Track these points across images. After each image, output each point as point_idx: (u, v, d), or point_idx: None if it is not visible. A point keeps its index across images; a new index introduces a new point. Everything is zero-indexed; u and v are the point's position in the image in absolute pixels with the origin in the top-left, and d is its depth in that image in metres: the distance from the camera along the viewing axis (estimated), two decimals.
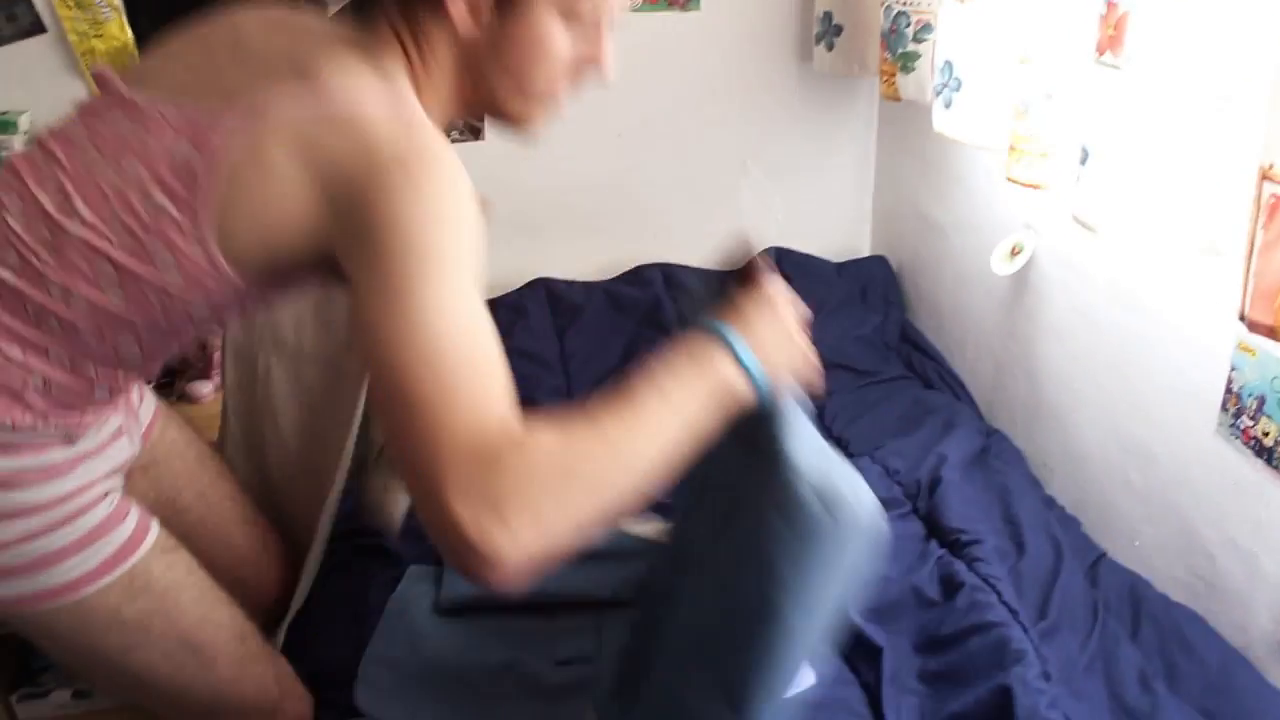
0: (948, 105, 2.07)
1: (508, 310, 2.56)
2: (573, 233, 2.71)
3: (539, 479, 0.92)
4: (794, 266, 2.67)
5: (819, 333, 2.55)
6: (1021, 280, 2.19)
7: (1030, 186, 1.86)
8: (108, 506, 1.29)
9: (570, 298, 2.63)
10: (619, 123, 2.63)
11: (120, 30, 2.38)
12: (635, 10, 2.50)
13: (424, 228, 1.01)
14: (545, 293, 2.64)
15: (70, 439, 1.25)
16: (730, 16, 2.57)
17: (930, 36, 2.13)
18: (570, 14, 1.15)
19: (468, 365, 0.96)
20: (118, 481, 1.39)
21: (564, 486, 0.94)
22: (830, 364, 2.51)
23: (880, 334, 2.64)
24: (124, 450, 1.41)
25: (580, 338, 2.57)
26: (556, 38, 1.16)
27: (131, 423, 1.45)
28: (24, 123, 2.38)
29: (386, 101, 1.09)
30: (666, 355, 1.09)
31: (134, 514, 1.33)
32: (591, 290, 2.66)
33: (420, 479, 0.93)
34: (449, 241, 1.02)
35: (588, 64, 1.21)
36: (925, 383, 2.51)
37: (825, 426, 2.39)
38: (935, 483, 2.04)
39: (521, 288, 2.65)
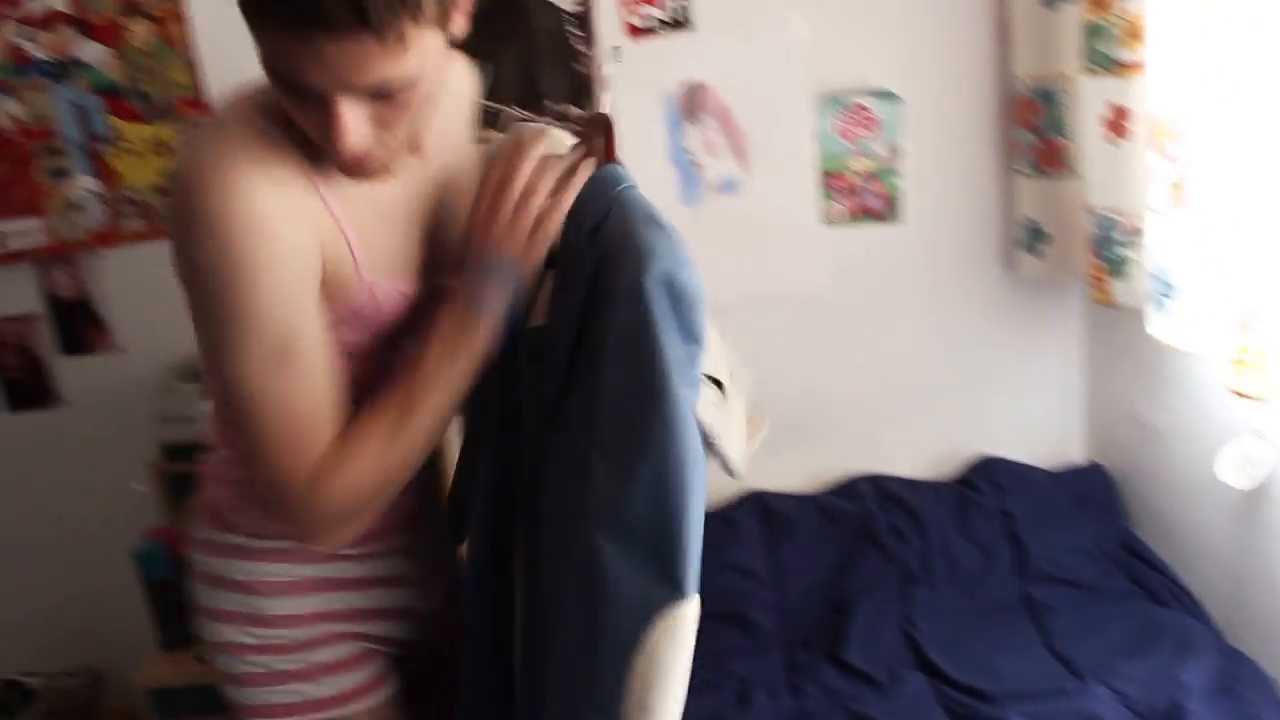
0: (1163, 310, 2.02)
1: (720, 522, 2.58)
2: (783, 444, 2.71)
3: (338, 491, 1.19)
4: (1007, 476, 2.62)
5: (1036, 544, 2.48)
6: (1259, 490, 2.07)
7: (1258, 399, 1.78)
8: (345, 649, 1.34)
9: (782, 511, 2.63)
10: (826, 334, 2.68)
11: None
12: (841, 225, 2.58)
13: (203, 286, 1.12)
14: (756, 506, 2.65)
15: (306, 556, 1.30)
16: (933, 227, 2.61)
17: (1141, 241, 2.11)
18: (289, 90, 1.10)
19: (273, 428, 1.16)
20: (377, 628, 1.43)
21: (355, 483, 1.20)
22: (1050, 578, 2.44)
23: (1100, 545, 2.53)
24: (393, 599, 1.45)
25: (793, 553, 2.56)
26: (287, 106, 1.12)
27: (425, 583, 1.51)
28: None
29: (197, 156, 1.13)
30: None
31: (369, 670, 1.36)
32: (803, 503, 2.65)
33: (261, 486, 1.21)
34: (233, 292, 1.10)
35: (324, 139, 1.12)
36: (1154, 598, 2.38)
37: (1049, 645, 2.28)
38: (1177, 713, 1.90)
39: (733, 501, 2.67)
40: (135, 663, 2.63)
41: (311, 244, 1.16)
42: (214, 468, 1.42)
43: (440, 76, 1.14)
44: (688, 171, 2.54)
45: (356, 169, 1.14)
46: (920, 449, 2.74)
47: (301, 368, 1.16)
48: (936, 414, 2.73)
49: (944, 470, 2.71)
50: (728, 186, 2.55)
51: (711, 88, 2.49)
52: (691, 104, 2.50)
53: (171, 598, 2.56)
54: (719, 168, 2.54)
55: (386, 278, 1.25)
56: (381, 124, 1.10)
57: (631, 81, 2.49)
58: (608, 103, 1.35)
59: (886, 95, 2.49)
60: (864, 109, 2.50)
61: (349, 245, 1.20)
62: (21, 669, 2.77)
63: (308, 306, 1.17)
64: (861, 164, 2.54)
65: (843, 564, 2.53)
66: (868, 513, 2.59)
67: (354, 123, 1.06)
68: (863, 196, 2.56)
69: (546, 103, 2.48)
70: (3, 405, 2.73)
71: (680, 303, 1.18)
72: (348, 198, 1.20)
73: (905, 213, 2.59)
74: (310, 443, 1.18)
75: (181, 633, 2.59)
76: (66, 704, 2.75)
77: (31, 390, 2.71)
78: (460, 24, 1.14)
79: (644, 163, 2.53)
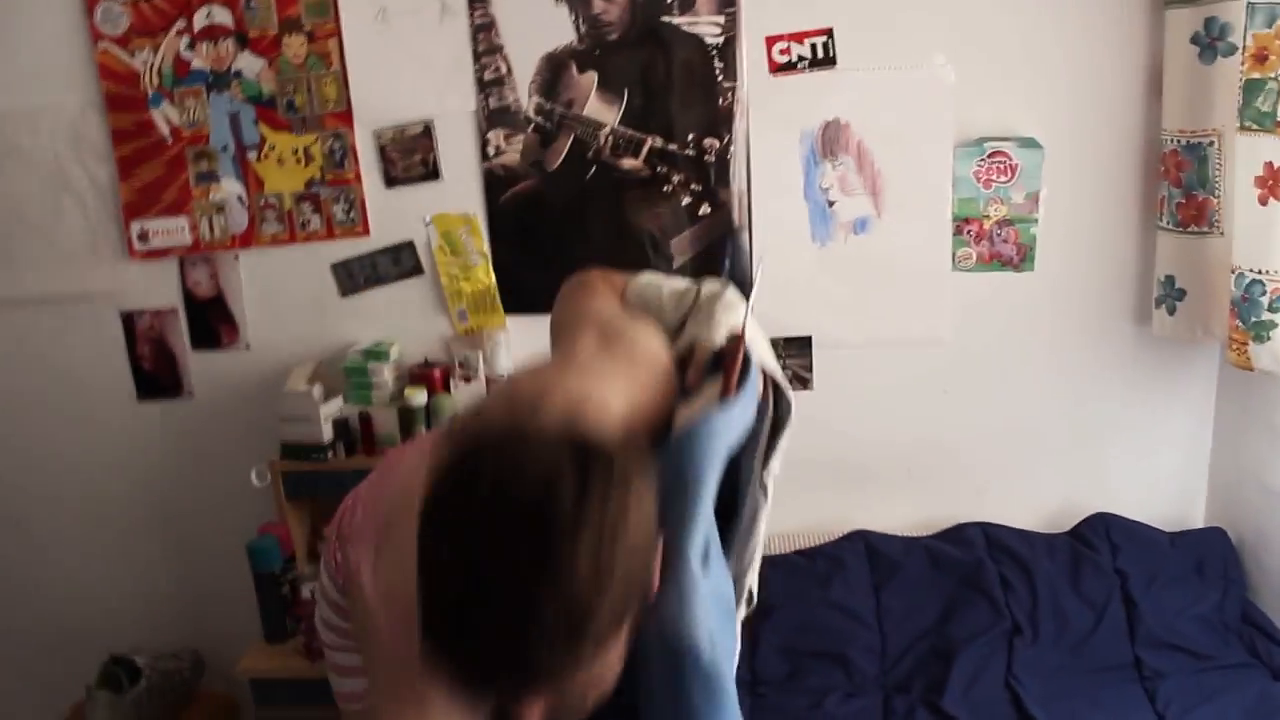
0: None
1: (826, 559, 2.57)
2: (894, 486, 2.71)
3: None
4: (1123, 534, 2.57)
5: (1150, 606, 2.42)
6: None
7: None
8: None
9: (889, 553, 2.61)
10: (947, 379, 2.65)
11: (485, 275, 2.62)
12: (970, 270, 2.55)
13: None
14: (864, 546, 2.63)
15: None
16: (1066, 278, 2.57)
17: None
18: None
19: None
20: None
21: None
22: (1163, 643, 2.39)
23: (1219, 613, 2.47)
24: None
25: (898, 595, 2.54)
26: None
27: None
28: (394, 353, 2.63)
29: None
30: None
31: None
32: (911, 546, 2.63)
33: None
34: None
35: None
36: (1273, 673, 2.32)
37: (1157, 712, 2.24)
38: None
39: (840, 539, 2.65)
40: (238, 651, 2.70)
41: None
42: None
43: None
44: (821, 209, 2.54)
45: None
46: (1035, 501, 2.69)
47: None
48: (1054, 466, 2.69)
49: (1057, 524, 2.67)
50: (859, 226, 2.54)
51: (851, 126, 2.49)
52: (829, 142, 2.50)
53: (278, 592, 2.63)
54: (852, 206, 2.53)
55: None
56: None
57: (771, 117, 2.50)
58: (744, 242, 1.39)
59: (1028, 142, 2.47)
60: (1004, 155, 2.47)
61: None
62: (131, 647, 2.84)
63: None
64: (997, 210, 2.51)
65: (948, 611, 2.50)
66: (977, 561, 2.56)
67: None
68: (996, 243, 2.54)
69: (665, 142, 2.51)
70: (134, 393, 2.81)
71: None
72: None
73: (1038, 262, 2.55)
74: None
75: (285, 626, 2.66)
76: (168, 684, 2.82)
77: (162, 381, 2.80)
78: None
79: (778, 199, 2.54)
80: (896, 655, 2.48)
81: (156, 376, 2.80)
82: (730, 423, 1.18)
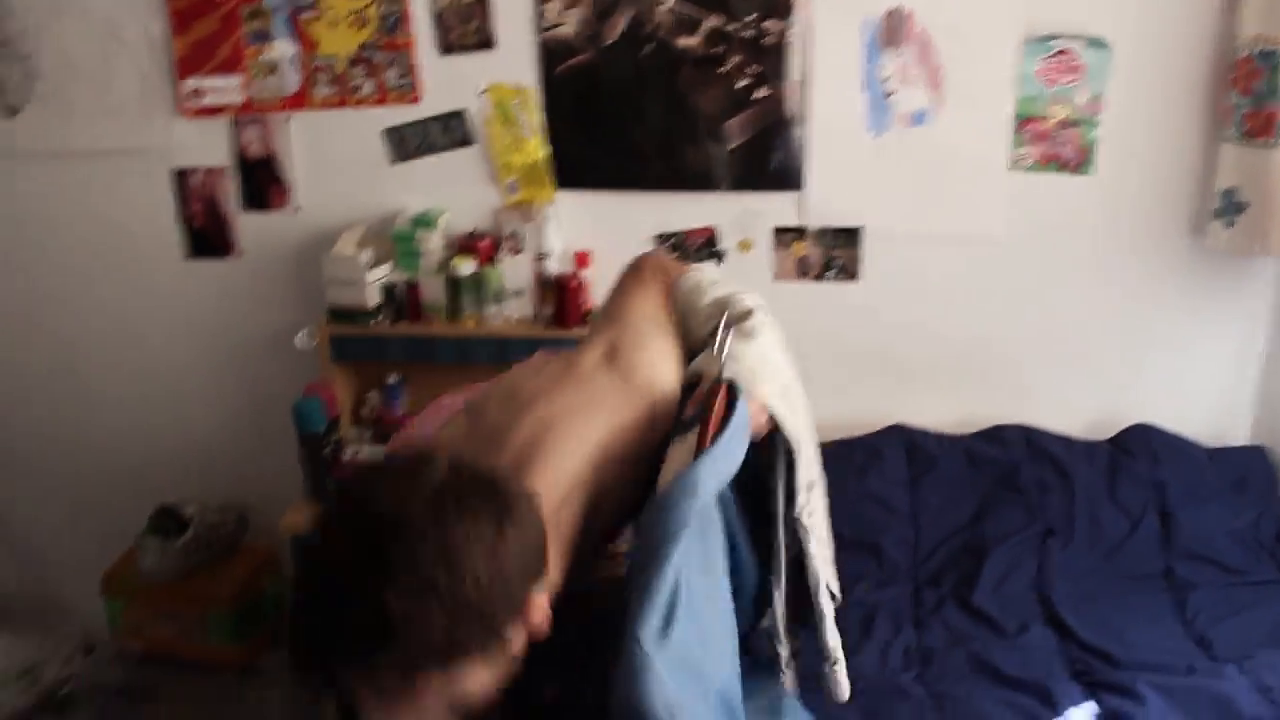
0: None
1: (864, 451, 2.59)
2: (937, 382, 2.70)
3: None
4: (1163, 446, 2.56)
5: (1186, 518, 2.43)
6: None
7: None
8: None
9: (927, 448, 2.61)
10: (995, 279, 2.62)
11: (536, 148, 2.60)
12: (1027, 170, 2.51)
13: None
14: (903, 440, 2.63)
15: None
16: (1123, 184, 2.51)
17: None
18: None
19: None
20: None
21: None
22: (1196, 555, 2.40)
23: (1255, 531, 2.47)
24: None
25: (933, 491, 2.55)
26: None
27: None
28: (442, 222, 2.64)
29: None
30: None
31: None
32: (949, 444, 2.63)
33: None
34: None
35: None
36: None
37: (1186, 622, 2.26)
38: None
39: (880, 431, 2.66)
40: (280, 507, 2.76)
41: None
42: None
43: (504, 668, 1.17)
44: (879, 99, 2.48)
45: None
46: (1077, 406, 2.68)
47: None
48: (1098, 374, 2.66)
49: (1098, 431, 2.65)
50: (917, 118, 2.49)
51: (915, 15, 2.42)
52: (892, 30, 2.44)
53: (321, 452, 2.68)
54: (911, 98, 2.48)
55: None
56: None
57: (833, 2, 2.43)
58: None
59: (1096, 42, 2.39)
60: (1070, 53, 2.40)
61: None
62: (179, 497, 2.92)
63: None
64: (1059, 110, 2.45)
65: (982, 509, 2.52)
66: (1014, 462, 2.56)
67: None
68: (1055, 144, 2.48)
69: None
70: (185, 251, 2.84)
71: None
72: None
73: (1097, 166, 2.49)
74: None
75: (326, 486, 2.70)
76: (214, 536, 2.91)
77: (212, 240, 2.82)
78: (525, 624, 1.16)
79: (836, 87, 2.49)
80: (929, 549, 2.50)
81: (206, 235, 2.81)
82: (695, 486, 1.17)
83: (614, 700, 1.06)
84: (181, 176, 2.76)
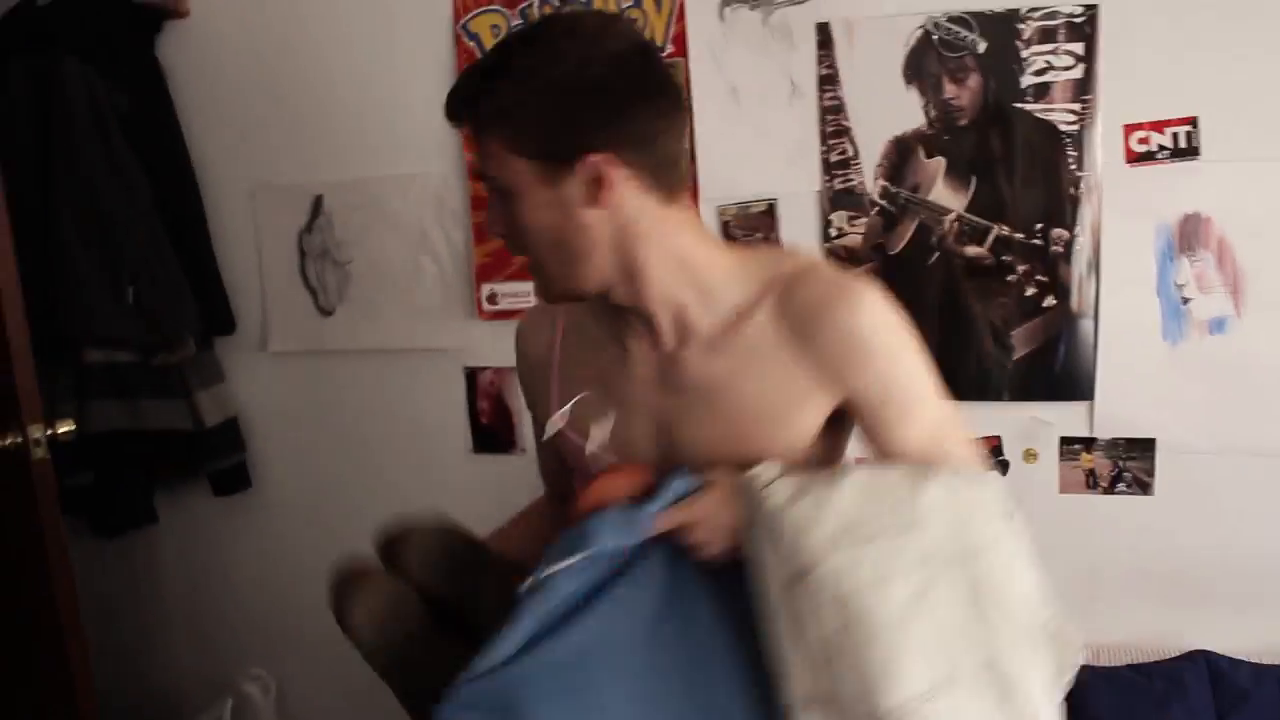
0: None
1: (1164, 679, 2.40)
2: (1239, 606, 2.50)
3: None
4: None
5: None
6: None
7: None
8: None
9: (1235, 679, 2.41)
10: None
11: None
12: None
13: None
14: (1207, 668, 2.44)
15: None
16: None
17: None
18: None
19: None
20: None
21: None
22: None
23: None
24: None
25: None
26: None
27: None
28: None
29: None
30: None
31: None
32: (1261, 675, 2.42)
33: None
34: None
35: None
36: None
37: None
38: None
39: (1179, 658, 2.48)
40: None
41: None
42: None
43: (553, 224, 1.32)
44: (1174, 306, 2.41)
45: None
46: None
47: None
48: None
49: None
50: (1216, 326, 2.39)
51: (1213, 220, 2.36)
52: (1188, 236, 2.38)
53: None
54: (1209, 305, 2.39)
55: (578, 432, 1.53)
56: (498, 221, 1.37)
57: (1125, 208, 2.40)
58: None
59: None
60: None
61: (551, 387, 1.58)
62: None
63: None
64: None
65: None
66: None
67: (489, 206, 1.39)
68: None
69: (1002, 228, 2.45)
70: (470, 445, 2.98)
71: None
72: (572, 358, 1.56)
73: None
74: None
75: None
76: None
77: (497, 436, 2.94)
78: (582, 193, 1.30)
79: (1127, 293, 2.43)
80: None
81: (493, 431, 2.95)
82: (586, 539, 1.35)
83: None
84: (472, 375, 2.92)
